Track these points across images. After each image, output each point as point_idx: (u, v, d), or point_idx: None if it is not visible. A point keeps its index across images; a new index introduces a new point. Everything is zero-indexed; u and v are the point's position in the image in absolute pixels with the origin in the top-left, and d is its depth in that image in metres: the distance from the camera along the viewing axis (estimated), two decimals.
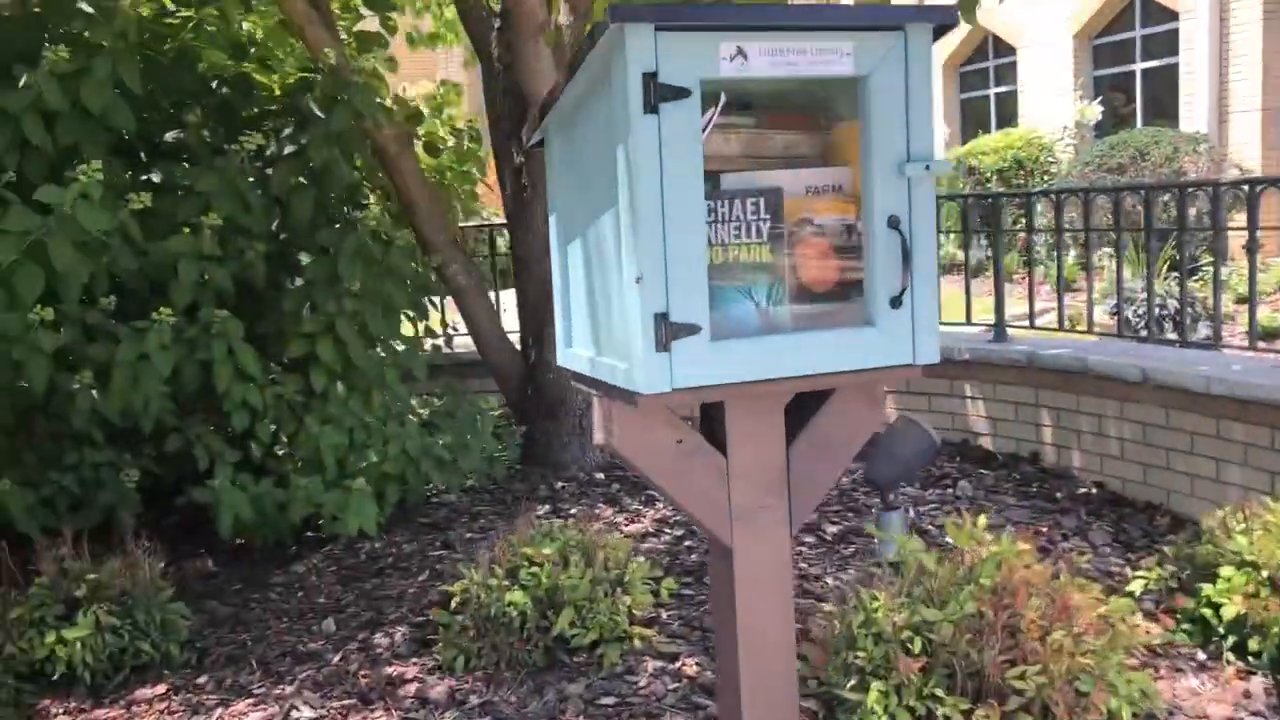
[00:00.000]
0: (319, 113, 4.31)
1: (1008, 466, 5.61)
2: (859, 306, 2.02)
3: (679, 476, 2.07)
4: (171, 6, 4.71)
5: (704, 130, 1.95)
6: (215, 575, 4.56)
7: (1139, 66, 13.17)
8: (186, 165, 4.42)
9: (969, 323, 6.29)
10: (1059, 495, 5.14)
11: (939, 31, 1.98)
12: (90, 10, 3.96)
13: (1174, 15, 12.28)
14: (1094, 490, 5.20)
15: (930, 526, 4.75)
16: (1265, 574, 3.34)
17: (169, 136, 4.51)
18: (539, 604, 3.60)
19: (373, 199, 4.75)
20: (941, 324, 6.38)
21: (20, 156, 3.97)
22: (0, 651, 3.60)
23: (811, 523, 4.80)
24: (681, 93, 1.81)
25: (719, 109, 1.98)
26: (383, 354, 4.72)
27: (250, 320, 4.63)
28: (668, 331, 1.84)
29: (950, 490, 5.25)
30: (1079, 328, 5.84)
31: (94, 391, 4.02)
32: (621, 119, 1.82)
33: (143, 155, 4.68)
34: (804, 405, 2.17)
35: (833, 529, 4.74)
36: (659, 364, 1.84)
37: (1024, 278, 6.21)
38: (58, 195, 3.64)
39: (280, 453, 4.66)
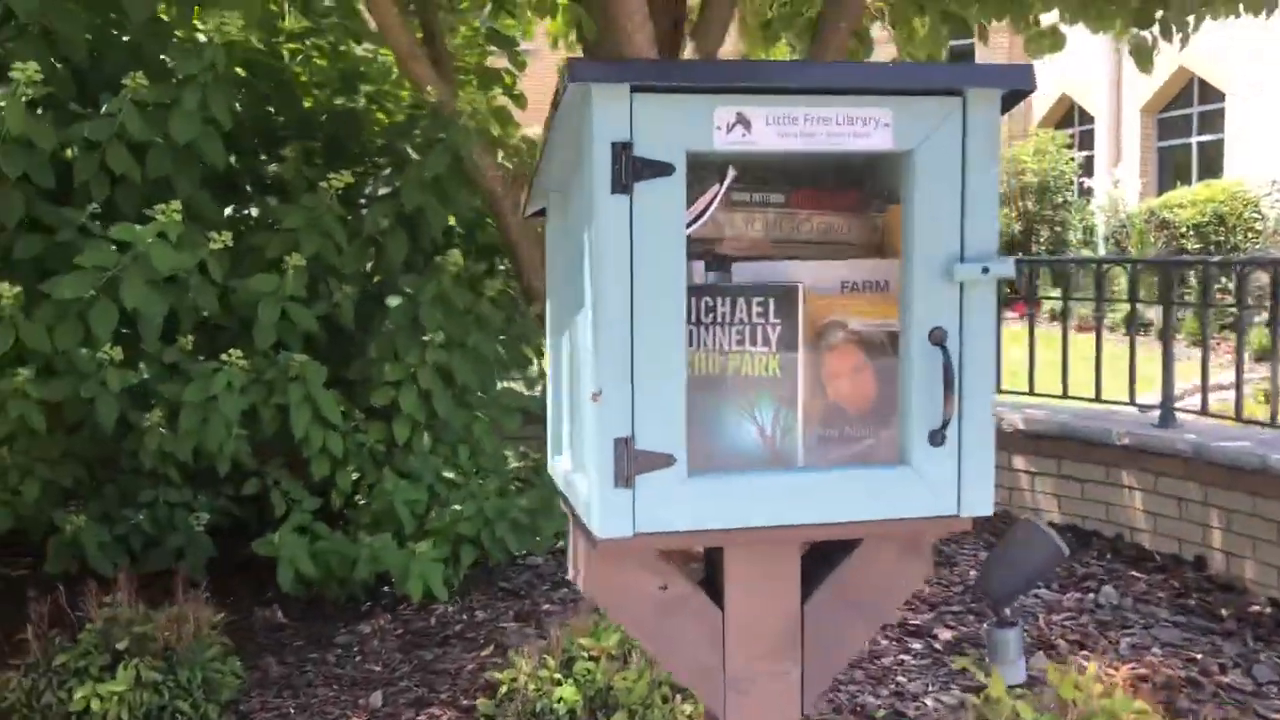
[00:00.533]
0: (414, 154, 4.11)
1: (1165, 570, 4.94)
2: (897, 438, 1.61)
3: (661, 631, 1.69)
4: (281, 38, 4.62)
5: (702, 215, 1.59)
6: (283, 628, 4.38)
7: None
8: (280, 201, 4.29)
9: (1132, 403, 5.62)
10: (1223, 612, 4.47)
11: (1010, 99, 1.55)
12: (184, 40, 3.87)
13: None
14: (1267, 610, 4.50)
15: (1062, 641, 4.17)
16: None
17: (269, 170, 4.40)
18: (590, 703, 3.26)
19: (458, 245, 4.51)
20: (1101, 401, 5.76)
21: (111, 187, 3.90)
22: (39, 700, 3.48)
23: (924, 624, 4.29)
24: (662, 169, 1.45)
25: (725, 186, 1.61)
26: (472, 406, 4.47)
27: (338, 364, 4.47)
28: (631, 462, 1.47)
29: (1092, 596, 4.64)
30: (1259, 417, 5.12)
31: (163, 430, 3.90)
32: (589, 197, 1.47)
33: (242, 188, 4.59)
34: (829, 547, 1.77)
35: (947, 635, 4.21)
36: (618, 502, 1.48)
37: (1207, 351, 5.55)
38: (133, 233, 3.53)
39: (360, 503, 4.47)
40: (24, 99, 3.42)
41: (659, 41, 4.91)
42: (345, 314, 4.29)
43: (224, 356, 3.82)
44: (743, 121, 1.47)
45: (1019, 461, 5.75)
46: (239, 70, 4.75)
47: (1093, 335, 5.67)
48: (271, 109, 4.59)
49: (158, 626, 3.62)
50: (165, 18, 4.02)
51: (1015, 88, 1.52)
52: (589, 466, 1.51)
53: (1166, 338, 5.37)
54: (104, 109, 3.69)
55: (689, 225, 1.55)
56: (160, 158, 3.91)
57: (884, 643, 4.11)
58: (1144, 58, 4.82)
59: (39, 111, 3.73)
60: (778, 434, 1.60)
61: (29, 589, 4.14)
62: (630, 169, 1.43)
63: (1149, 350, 6.63)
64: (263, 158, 4.50)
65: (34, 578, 4.45)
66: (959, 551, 5.18)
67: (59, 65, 3.90)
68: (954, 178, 1.52)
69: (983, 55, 17.21)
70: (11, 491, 3.98)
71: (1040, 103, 17.38)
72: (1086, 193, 15.57)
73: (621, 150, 1.43)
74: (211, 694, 3.61)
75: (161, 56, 3.98)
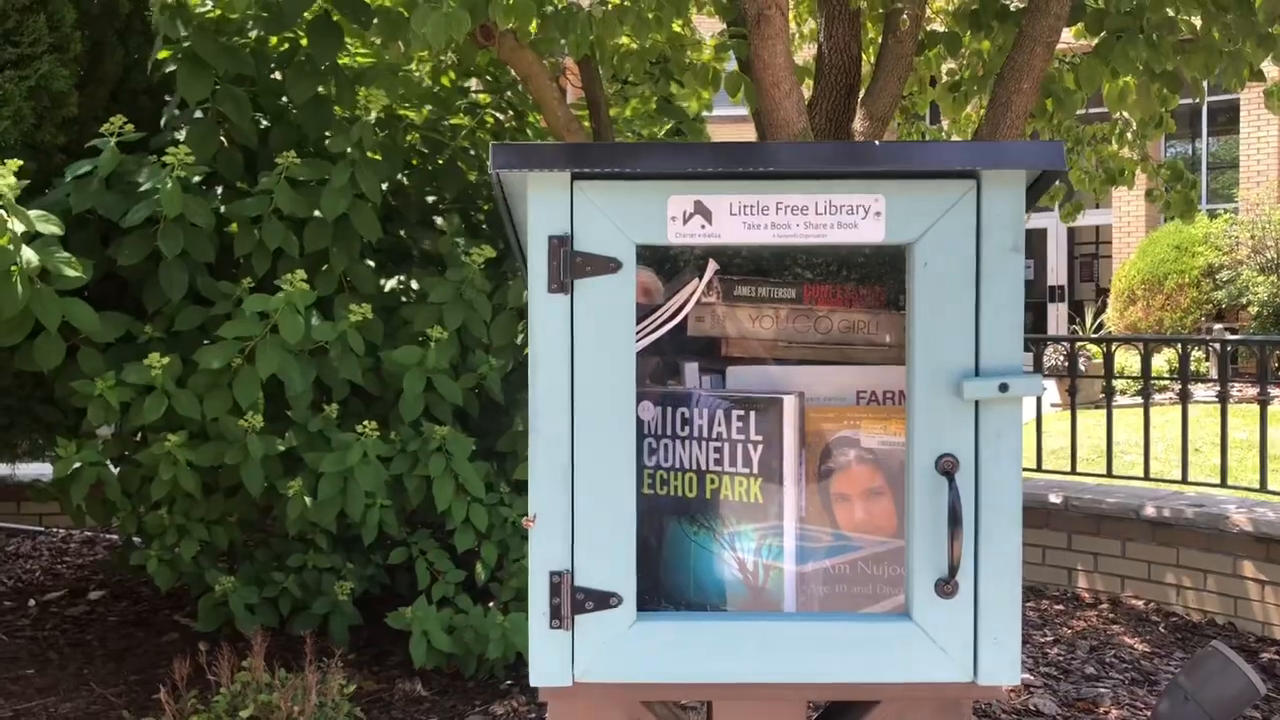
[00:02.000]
0: None
1: None
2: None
3: None
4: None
5: (674, 315, 1.39)
6: (421, 701, 4.35)
7: None
8: (440, 274, 4.33)
9: None
10: None
11: (1041, 182, 1.28)
12: (342, 118, 3.98)
13: None
14: None
15: None
16: None
17: (426, 243, 4.45)
18: None
19: None
20: None
21: (274, 261, 4.03)
22: None
23: None
24: (606, 265, 1.27)
25: (707, 280, 1.40)
26: None
27: (488, 436, 4.44)
28: (570, 601, 1.28)
29: None
30: None
31: (306, 498, 3.96)
32: (528, 295, 1.31)
33: (405, 260, 4.66)
34: (844, 705, 1.51)
35: None
36: (555, 646, 1.29)
37: None
38: (265, 303, 3.62)
39: (504, 578, 4.40)
40: (179, 179, 3.57)
41: (833, 110, 4.70)
42: (493, 386, 4.26)
43: (359, 428, 3.84)
44: (701, 211, 1.27)
45: (1246, 567, 5.08)
46: (413, 142, 4.87)
47: None
48: (437, 184, 4.67)
49: (282, 695, 3.64)
50: (325, 91, 4.15)
51: (1040, 167, 1.25)
52: (530, 601, 1.33)
53: None
54: (259, 186, 3.82)
55: (656, 327, 1.36)
56: (316, 231, 4.01)
57: None
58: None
59: (204, 189, 3.90)
60: (760, 570, 1.37)
61: (192, 645, 4.28)
62: (569, 266, 1.26)
63: None
64: (426, 231, 4.57)
65: (194, 635, 4.61)
66: (1161, 668, 4.59)
67: (228, 145, 4.09)
68: (965, 276, 1.26)
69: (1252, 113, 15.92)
70: (170, 550, 4.14)
71: None
72: None
73: (559, 245, 1.26)
74: None
75: (324, 134, 4.10)
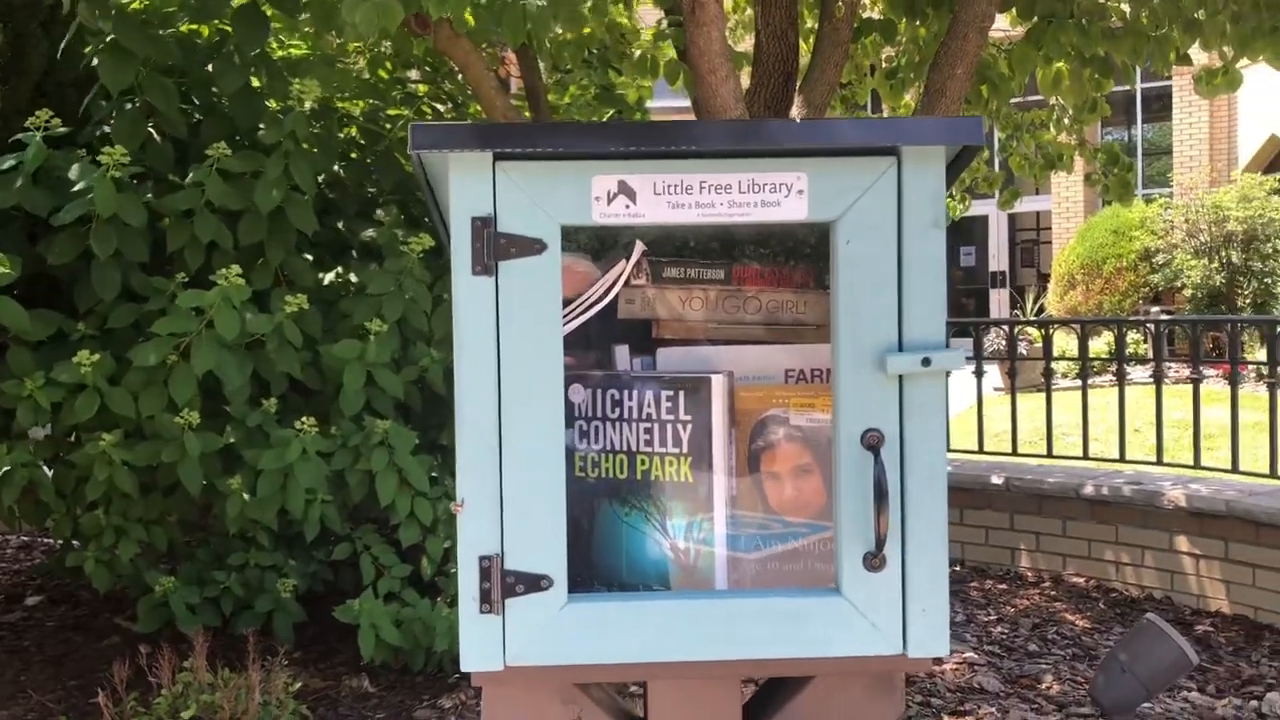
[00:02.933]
0: None
1: None
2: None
3: None
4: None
5: (602, 297, 1.39)
6: (368, 698, 4.32)
7: None
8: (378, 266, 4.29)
9: None
10: None
11: (961, 158, 1.29)
12: (276, 110, 3.92)
13: None
14: None
15: None
16: None
17: (365, 235, 4.41)
18: None
19: None
20: (1277, 477, 5.13)
21: (207, 255, 3.97)
22: None
23: None
24: (531, 246, 1.27)
25: (635, 261, 1.40)
26: None
27: (432, 430, 4.41)
28: (500, 585, 1.28)
29: (1255, 704, 4.07)
30: None
31: (246, 496, 3.91)
32: (452, 278, 1.30)
33: (344, 253, 4.62)
34: (781, 679, 1.52)
35: None
36: (485, 630, 1.29)
37: None
38: (199, 298, 3.57)
39: (451, 571, 4.37)
40: (112, 178, 3.51)
41: (771, 98, 4.72)
42: (435, 378, 4.23)
43: (298, 424, 3.80)
44: (626, 191, 1.27)
45: (1182, 542, 5.19)
46: (350, 135, 4.82)
47: None
48: (374, 175, 4.62)
49: (225, 696, 3.60)
50: (257, 83, 4.09)
51: (959, 143, 1.26)
52: (460, 587, 1.32)
53: None
54: (189, 179, 3.76)
55: (585, 309, 1.36)
56: (251, 225, 3.95)
57: None
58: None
59: (134, 183, 3.83)
60: (691, 549, 1.38)
61: (133, 648, 4.21)
62: (493, 247, 1.25)
63: None
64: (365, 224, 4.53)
65: (135, 638, 4.54)
66: (1101, 643, 4.68)
67: (158, 138, 4.02)
68: (887, 252, 1.27)
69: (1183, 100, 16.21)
70: (108, 551, 4.06)
71: (1246, 145, 16.18)
72: None
73: (483, 226, 1.25)
74: None
75: (257, 126, 4.04)
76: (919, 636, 1.30)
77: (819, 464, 1.40)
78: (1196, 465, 5.43)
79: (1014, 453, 6.14)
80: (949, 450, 6.25)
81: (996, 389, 10.70)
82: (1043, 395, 6.08)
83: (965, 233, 19.60)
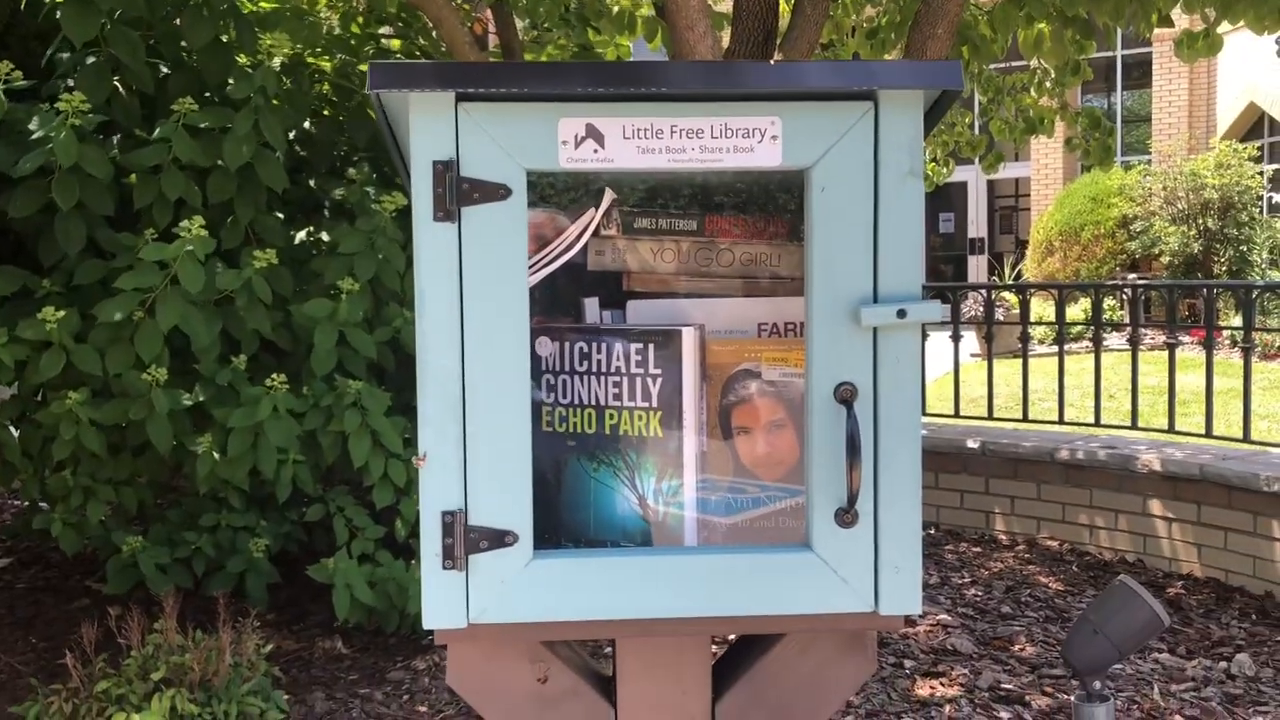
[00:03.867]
0: None
1: None
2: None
3: None
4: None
5: (570, 247, 1.35)
6: (341, 659, 4.30)
7: None
8: (343, 225, 4.22)
9: None
10: None
11: (938, 103, 1.26)
12: (246, 64, 3.84)
13: None
14: None
15: (1179, 717, 3.69)
16: None
17: (337, 193, 4.34)
18: None
19: None
20: (1250, 441, 5.16)
21: (175, 212, 3.89)
22: None
23: (1017, 689, 3.87)
24: (495, 192, 1.23)
25: (603, 211, 1.37)
26: None
27: (406, 391, 4.37)
28: (463, 541, 1.25)
29: (1224, 665, 4.10)
30: None
31: (216, 455, 3.86)
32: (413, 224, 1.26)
33: (316, 211, 4.55)
34: (758, 638, 1.49)
35: (1044, 703, 3.78)
36: (448, 587, 1.25)
37: None
38: (163, 252, 3.50)
39: None
40: (72, 126, 3.42)
41: (750, 56, 4.66)
42: (408, 339, 4.18)
43: (268, 381, 3.75)
44: (594, 135, 1.23)
45: (1155, 506, 5.21)
46: (322, 92, 4.73)
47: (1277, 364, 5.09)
48: (346, 133, 4.54)
49: (195, 657, 3.57)
50: (226, 37, 4.00)
51: (938, 86, 1.22)
52: (422, 543, 1.29)
53: None
54: (156, 134, 3.68)
55: (553, 259, 1.32)
56: (220, 182, 3.88)
57: (966, 708, 3.72)
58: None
59: (100, 138, 3.75)
60: (660, 506, 1.35)
61: (103, 610, 4.17)
62: (455, 192, 1.21)
63: None
64: (336, 182, 4.45)
65: (105, 601, 4.50)
66: (1074, 606, 4.70)
67: (124, 92, 3.93)
68: (863, 201, 1.24)
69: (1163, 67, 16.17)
70: (76, 513, 4.01)
71: (1224, 113, 16.19)
72: (1276, 209, 14.42)
73: (444, 171, 1.21)
74: None
75: (226, 80, 3.95)
76: (891, 593, 1.28)
77: (792, 419, 1.37)
78: (1171, 430, 5.45)
79: (990, 417, 6.15)
80: (925, 414, 6.25)
81: (973, 355, 10.72)
82: (1019, 361, 6.09)
83: (944, 199, 19.59)
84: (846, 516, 1.25)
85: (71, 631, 4.11)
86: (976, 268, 19.75)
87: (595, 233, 1.41)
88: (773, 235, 1.46)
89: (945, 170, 8.15)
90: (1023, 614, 4.64)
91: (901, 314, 1.23)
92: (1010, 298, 11.28)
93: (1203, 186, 13.67)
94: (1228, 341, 9.99)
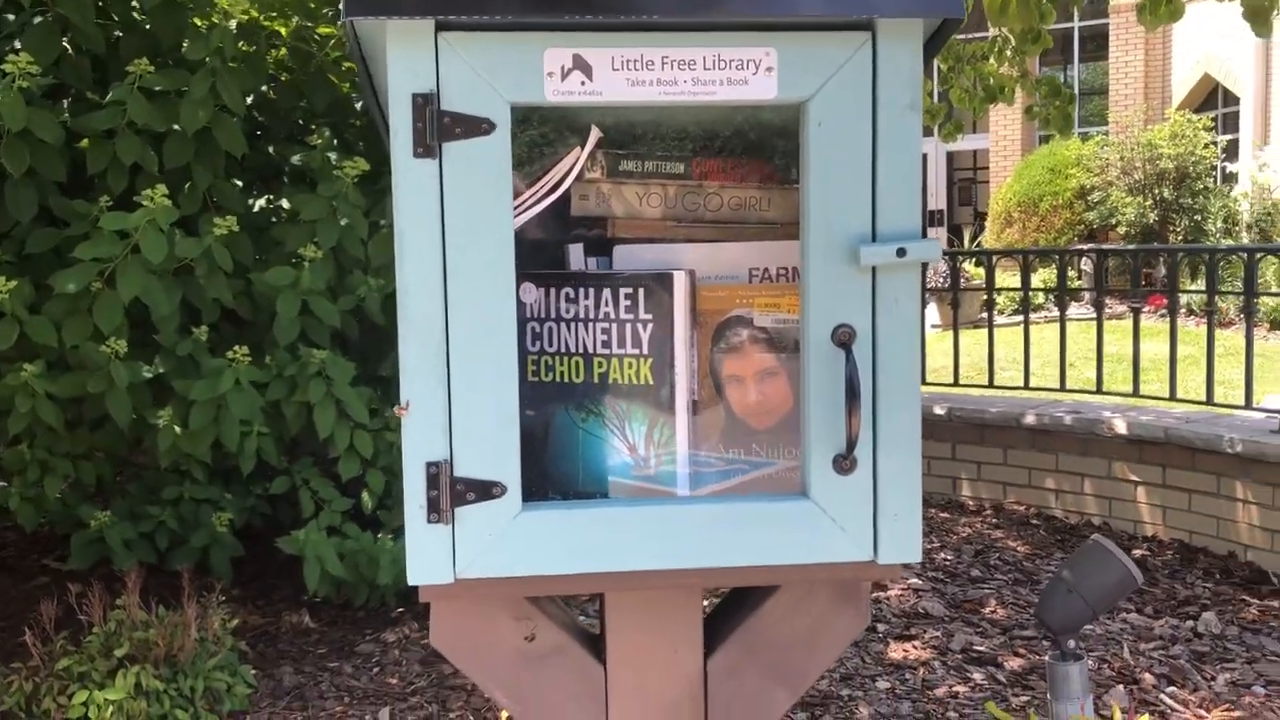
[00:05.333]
0: None
1: None
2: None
3: (527, 689, 1.41)
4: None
5: (557, 186, 1.30)
6: (309, 633, 4.23)
7: None
8: (304, 192, 4.13)
9: (1249, 406, 5.06)
10: None
11: (938, 34, 1.22)
12: (200, 25, 3.73)
13: None
14: None
15: (1148, 675, 3.72)
16: None
17: (297, 159, 4.24)
18: None
19: None
20: (1213, 404, 5.20)
21: (131, 178, 3.79)
22: (38, 705, 3.39)
23: (990, 650, 3.89)
24: (478, 126, 1.17)
25: (589, 151, 1.31)
26: None
27: (371, 360, 4.30)
28: (449, 493, 1.20)
29: (1191, 624, 4.14)
30: None
31: (177, 428, 3.77)
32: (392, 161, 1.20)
33: (275, 178, 4.45)
34: (750, 591, 1.46)
35: (1016, 664, 3.80)
36: (434, 541, 1.21)
37: None
38: (123, 220, 3.40)
39: (392, 505, 4.28)
40: (20, 88, 3.31)
41: None
42: (373, 307, 4.10)
43: (230, 353, 3.66)
44: (581, 66, 1.17)
45: (1121, 469, 5.25)
46: (280, 58, 4.62)
47: (1235, 330, 5.13)
48: (306, 98, 4.43)
49: (160, 633, 3.49)
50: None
51: (938, 15, 1.18)
52: (406, 497, 1.24)
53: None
54: (109, 97, 3.57)
55: (539, 200, 1.27)
56: (177, 146, 3.78)
57: (940, 670, 3.73)
58: (1260, 20, 4.28)
59: (50, 101, 3.63)
60: (652, 456, 1.31)
61: (63, 588, 4.08)
62: (436, 127, 1.16)
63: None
64: (297, 147, 4.35)
65: (65, 578, 4.40)
66: (1042, 568, 4.73)
67: (74, 53, 3.81)
68: (861, 136, 1.20)
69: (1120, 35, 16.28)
70: (34, 487, 3.91)
71: (1180, 84, 16.33)
72: (1229, 179, 14.58)
73: (424, 104, 1.15)
74: (215, 704, 3.46)
75: (180, 42, 3.84)
76: (890, 542, 1.24)
77: (785, 367, 1.33)
78: (1135, 394, 5.48)
79: (955, 383, 6.17)
80: None
81: (934, 326, 10.77)
82: (983, 332, 6.11)
83: None
84: (845, 463, 1.22)
85: (30, 610, 4.01)
86: (936, 240, 19.86)
87: (580, 177, 1.36)
88: (763, 178, 1.42)
89: None
90: (992, 577, 4.66)
91: (901, 253, 1.19)
92: (972, 270, 11.34)
93: (1159, 157, 13.79)
94: (1185, 310, 10.10)
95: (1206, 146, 13.85)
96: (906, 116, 1.20)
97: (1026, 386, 5.89)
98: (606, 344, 1.30)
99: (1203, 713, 3.44)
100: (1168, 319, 5.48)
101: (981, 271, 9.67)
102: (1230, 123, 15.28)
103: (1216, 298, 5.36)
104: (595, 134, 1.31)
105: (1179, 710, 3.44)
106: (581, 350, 1.31)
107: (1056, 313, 6.27)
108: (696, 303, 1.34)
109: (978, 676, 3.69)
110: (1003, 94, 7.41)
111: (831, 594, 1.40)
